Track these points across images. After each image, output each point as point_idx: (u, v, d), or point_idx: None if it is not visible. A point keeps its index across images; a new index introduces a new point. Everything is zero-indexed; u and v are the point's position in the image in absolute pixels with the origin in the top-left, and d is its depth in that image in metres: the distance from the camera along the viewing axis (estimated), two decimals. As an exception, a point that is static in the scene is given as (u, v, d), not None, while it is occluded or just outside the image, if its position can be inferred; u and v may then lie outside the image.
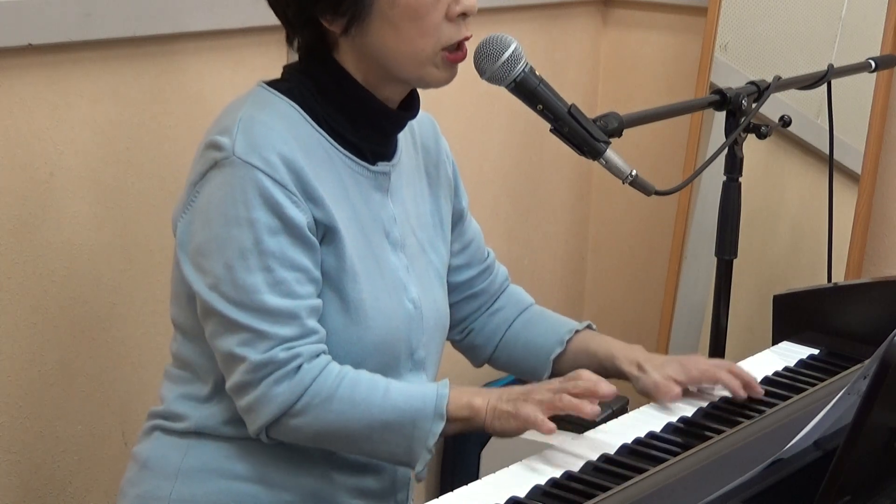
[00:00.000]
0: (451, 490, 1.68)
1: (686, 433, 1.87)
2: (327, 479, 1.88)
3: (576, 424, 1.82)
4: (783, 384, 2.06)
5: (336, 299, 1.84)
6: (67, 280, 2.29)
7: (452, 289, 2.08)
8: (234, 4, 2.44)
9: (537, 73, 1.96)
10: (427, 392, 1.79)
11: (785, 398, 1.97)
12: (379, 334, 1.87)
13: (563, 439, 1.80)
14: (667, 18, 3.51)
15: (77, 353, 2.33)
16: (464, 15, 1.84)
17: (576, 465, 1.72)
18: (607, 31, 3.59)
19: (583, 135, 2.01)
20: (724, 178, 2.45)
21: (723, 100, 2.37)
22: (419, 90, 1.93)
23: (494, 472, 1.73)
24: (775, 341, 2.26)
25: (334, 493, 1.89)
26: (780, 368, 2.12)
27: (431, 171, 2.04)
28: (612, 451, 1.77)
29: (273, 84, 1.88)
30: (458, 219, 2.09)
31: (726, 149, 2.39)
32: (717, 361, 2.02)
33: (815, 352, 2.19)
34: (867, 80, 3.08)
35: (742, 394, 1.96)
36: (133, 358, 2.43)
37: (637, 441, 1.81)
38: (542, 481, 1.69)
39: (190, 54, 2.43)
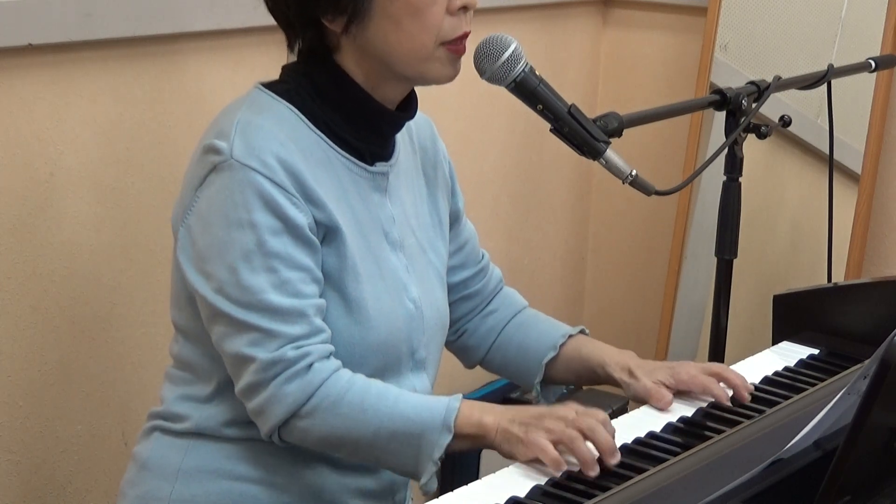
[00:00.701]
0: (451, 490, 1.68)
1: (686, 433, 1.86)
2: (327, 480, 1.88)
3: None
4: (783, 384, 2.06)
5: (338, 300, 1.84)
6: (67, 280, 2.29)
7: (447, 290, 2.08)
8: (234, 4, 2.44)
9: (537, 73, 1.96)
10: (437, 404, 1.78)
11: (785, 398, 1.97)
12: (381, 334, 1.87)
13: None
14: (667, 18, 3.51)
15: (77, 353, 2.33)
16: (464, 8, 1.84)
17: (576, 466, 1.71)
18: (607, 31, 3.59)
19: (583, 135, 2.01)
20: (724, 178, 2.45)
21: (723, 100, 2.37)
22: (418, 91, 1.93)
23: (494, 472, 1.72)
24: (775, 341, 2.26)
25: (333, 493, 1.89)
26: (780, 368, 2.12)
27: (429, 171, 2.04)
28: (611, 451, 1.77)
29: (270, 86, 1.88)
30: (454, 220, 2.09)
31: (726, 149, 2.39)
32: (706, 366, 2.00)
33: (815, 352, 2.19)
34: (867, 80, 3.08)
35: (726, 401, 1.95)
36: (133, 358, 2.43)
37: (637, 441, 1.81)
38: (542, 481, 1.68)
39: (190, 54, 2.43)
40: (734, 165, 2.42)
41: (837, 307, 2.21)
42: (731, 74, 3.30)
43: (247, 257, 1.76)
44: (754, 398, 1.98)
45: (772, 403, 1.95)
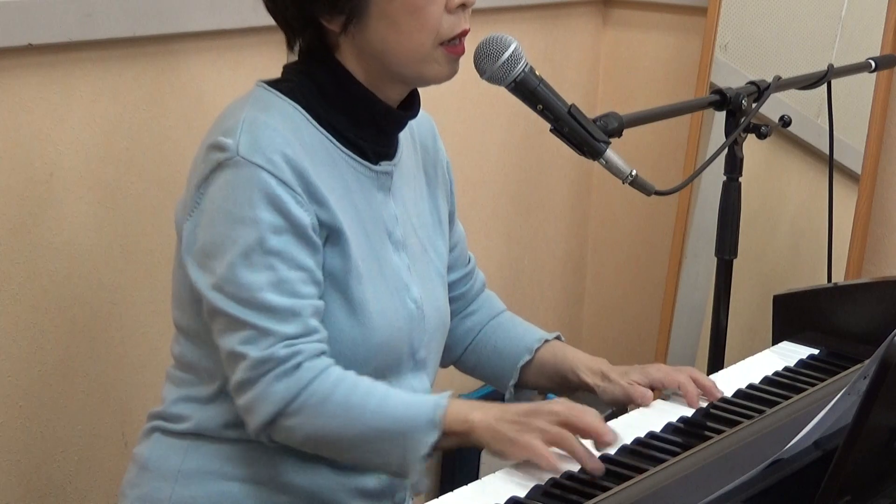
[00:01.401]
0: (451, 490, 1.68)
1: (686, 433, 1.87)
2: (326, 480, 1.88)
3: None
4: (783, 384, 2.06)
5: (341, 300, 1.84)
6: (67, 280, 2.29)
7: None
8: (234, 4, 2.44)
9: (537, 73, 1.96)
10: (425, 402, 1.77)
11: (785, 398, 1.97)
12: (382, 335, 1.86)
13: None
14: (667, 18, 3.51)
15: (77, 353, 2.33)
16: (463, 6, 1.84)
17: (576, 465, 1.71)
18: (607, 31, 3.59)
19: (583, 135, 2.01)
20: (724, 178, 2.45)
21: (723, 100, 2.37)
22: (419, 90, 1.93)
23: (494, 472, 1.73)
24: (775, 341, 2.26)
25: (333, 493, 1.89)
26: (780, 368, 2.12)
27: (430, 170, 2.04)
28: (612, 451, 1.77)
29: (273, 84, 1.88)
30: (450, 220, 2.09)
31: (726, 149, 2.39)
32: (678, 368, 2.01)
33: (815, 352, 2.19)
34: (867, 80, 3.08)
35: (696, 404, 1.95)
36: (133, 358, 2.43)
37: (637, 441, 1.81)
38: (542, 481, 1.68)
39: (190, 54, 2.43)
40: (734, 165, 2.42)
41: (837, 307, 2.21)
42: (731, 74, 3.30)
43: (246, 254, 1.76)
44: (754, 398, 1.98)
45: (772, 403, 1.95)
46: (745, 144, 2.42)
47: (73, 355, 2.32)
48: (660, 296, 3.47)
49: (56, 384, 2.31)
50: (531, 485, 1.68)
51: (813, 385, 2.04)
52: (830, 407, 1.55)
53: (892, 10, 3.12)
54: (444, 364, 2.15)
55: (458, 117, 3.12)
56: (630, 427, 1.86)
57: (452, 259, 2.11)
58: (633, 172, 2.04)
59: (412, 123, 1.98)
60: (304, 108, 1.85)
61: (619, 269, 3.68)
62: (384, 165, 1.91)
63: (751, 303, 3.24)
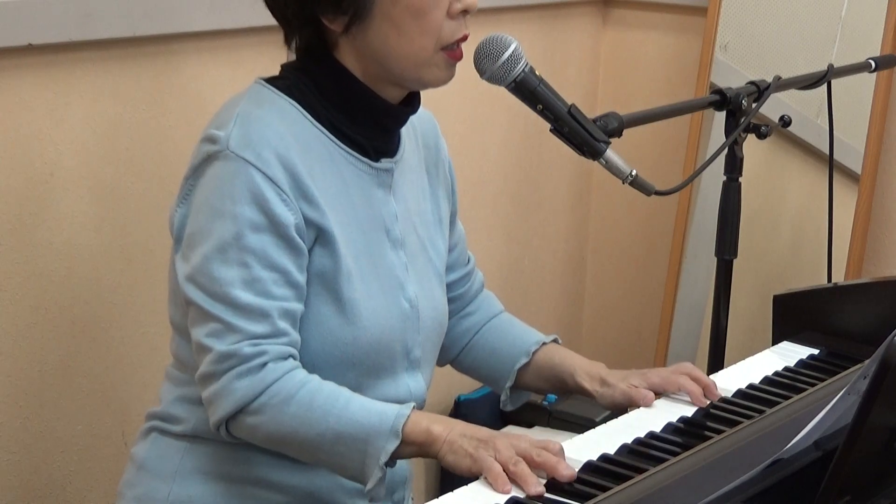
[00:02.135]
0: (451, 490, 1.68)
1: (686, 433, 1.86)
2: (324, 480, 1.88)
3: (576, 424, 1.82)
4: (783, 384, 2.06)
5: (331, 300, 1.83)
6: (67, 280, 2.29)
7: None
8: (234, 4, 2.44)
9: (537, 73, 1.96)
10: (387, 410, 1.76)
11: (785, 398, 1.97)
12: (373, 334, 1.86)
13: (563, 439, 1.80)
14: (667, 18, 3.51)
15: (77, 353, 2.33)
16: (464, 12, 1.84)
17: (576, 465, 1.71)
18: (607, 31, 3.59)
19: (583, 135, 2.01)
20: (724, 178, 2.45)
21: (723, 100, 2.37)
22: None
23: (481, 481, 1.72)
24: (775, 341, 2.26)
25: (332, 493, 1.89)
26: (780, 368, 2.12)
27: (431, 168, 2.04)
28: (612, 451, 1.77)
29: (271, 81, 1.88)
30: (451, 220, 2.09)
31: (726, 149, 2.39)
32: (675, 367, 2.01)
33: (815, 352, 2.19)
34: (867, 80, 3.08)
35: (703, 402, 1.95)
36: (133, 358, 2.43)
37: (637, 441, 1.81)
38: (542, 481, 1.68)
39: (190, 54, 2.43)
40: (734, 165, 2.42)
41: (837, 307, 2.21)
42: (731, 74, 3.30)
43: (222, 249, 1.76)
44: (754, 398, 1.98)
45: (772, 403, 1.95)
46: (745, 144, 2.42)
47: (73, 355, 2.32)
48: (660, 296, 3.47)
49: (56, 384, 2.31)
50: (531, 485, 1.67)
51: (813, 385, 2.04)
52: (830, 407, 1.55)
53: (892, 10, 3.12)
54: (440, 363, 2.15)
55: (458, 117, 3.12)
56: (630, 427, 1.86)
57: (452, 259, 2.11)
58: (633, 172, 2.04)
59: (415, 121, 1.98)
60: (302, 105, 1.85)
61: (619, 269, 3.67)
62: (385, 162, 1.91)
63: (751, 303, 3.24)
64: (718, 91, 2.39)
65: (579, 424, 1.82)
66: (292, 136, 1.81)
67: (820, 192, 3.07)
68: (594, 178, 3.62)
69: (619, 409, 1.99)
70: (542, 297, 3.56)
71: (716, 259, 2.48)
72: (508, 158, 3.35)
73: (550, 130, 2.02)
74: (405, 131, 1.96)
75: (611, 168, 2.03)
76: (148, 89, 2.37)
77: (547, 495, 1.65)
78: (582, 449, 1.77)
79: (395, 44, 1.82)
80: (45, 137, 2.22)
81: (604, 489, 1.64)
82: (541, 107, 1.98)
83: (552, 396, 3.24)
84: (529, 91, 1.96)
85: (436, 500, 1.64)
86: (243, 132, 1.78)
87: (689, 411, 1.93)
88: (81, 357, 2.34)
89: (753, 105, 2.39)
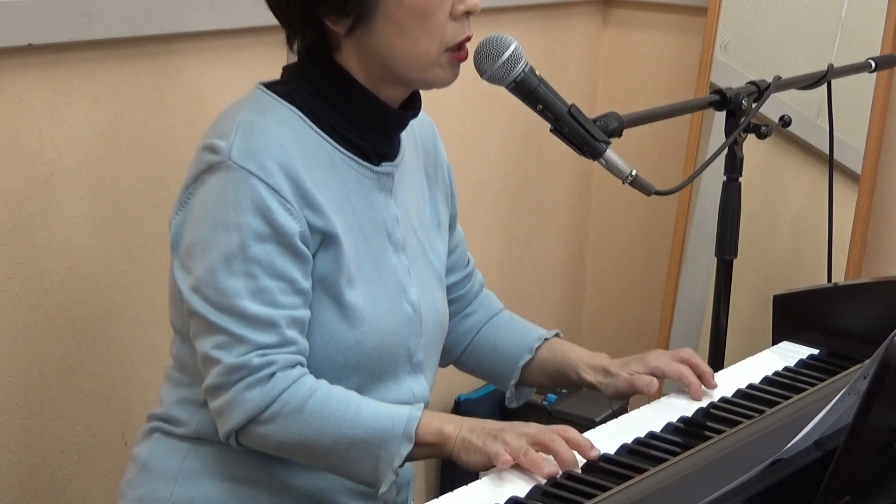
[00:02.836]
0: (451, 490, 1.68)
1: (686, 433, 1.87)
2: (327, 481, 1.88)
3: (576, 424, 1.82)
4: (783, 384, 2.06)
5: (334, 305, 1.83)
6: (67, 280, 2.29)
7: None
8: (234, 4, 2.44)
9: (537, 73, 1.96)
10: (398, 413, 1.77)
11: (785, 398, 1.97)
12: (376, 338, 1.86)
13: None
14: (667, 18, 3.51)
15: (77, 353, 2.33)
16: (467, 13, 1.84)
17: (576, 467, 1.71)
18: (607, 31, 3.59)
19: (583, 135, 2.01)
20: (724, 178, 2.45)
21: (723, 100, 2.37)
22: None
23: (494, 472, 1.73)
24: (775, 341, 2.26)
25: (333, 494, 1.89)
26: (780, 368, 2.12)
27: (430, 172, 2.04)
28: (612, 451, 1.77)
29: (272, 86, 1.87)
30: (451, 224, 2.09)
31: (726, 149, 2.39)
32: (675, 353, 2.02)
33: (815, 352, 2.19)
34: (867, 80, 3.08)
35: (700, 397, 1.96)
36: (133, 358, 2.43)
37: (637, 441, 1.81)
38: (542, 481, 1.68)
39: (190, 54, 2.43)
40: (734, 165, 2.42)
41: (837, 307, 2.21)
42: (731, 74, 3.30)
43: (227, 260, 1.76)
44: (754, 398, 1.98)
45: (772, 403, 1.95)
46: (745, 144, 2.42)
47: (73, 355, 2.32)
48: (660, 296, 3.47)
49: (56, 384, 2.31)
50: (531, 485, 1.68)
51: (813, 385, 2.04)
52: (830, 407, 1.55)
53: (892, 10, 3.12)
54: (443, 364, 2.15)
55: (458, 117, 3.12)
56: (630, 427, 1.86)
57: (452, 261, 2.11)
58: (633, 172, 2.04)
59: (414, 126, 1.98)
60: (302, 110, 1.84)
61: (619, 269, 3.68)
62: (385, 166, 1.91)
63: (751, 303, 3.24)
64: (718, 91, 2.39)
65: (579, 424, 1.82)
66: (294, 143, 1.81)
67: (820, 192, 3.07)
68: (594, 178, 3.62)
69: (624, 397, 2.00)
70: (542, 297, 3.56)
71: (716, 259, 2.48)
72: (508, 158, 3.35)
73: (550, 130, 2.02)
74: (405, 135, 1.96)
75: (611, 168, 2.03)
76: (148, 89, 2.37)
77: (547, 494, 1.65)
78: (582, 449, 1.78)
79: (398, 46, 1.81)
80: (45, 137, 2.22)
81: (604, 489, 1.64)
82: (541, 107, 1.98)
83: (552, 396, 3.25)
84: (529, 91, 1.96)
85: (436, 500, 1.64)
86: (245, 142, 1.78)
87: (689, 411, 1.93)
88: (81, 357, 2.34)
89: (753, 105, 2.39)
